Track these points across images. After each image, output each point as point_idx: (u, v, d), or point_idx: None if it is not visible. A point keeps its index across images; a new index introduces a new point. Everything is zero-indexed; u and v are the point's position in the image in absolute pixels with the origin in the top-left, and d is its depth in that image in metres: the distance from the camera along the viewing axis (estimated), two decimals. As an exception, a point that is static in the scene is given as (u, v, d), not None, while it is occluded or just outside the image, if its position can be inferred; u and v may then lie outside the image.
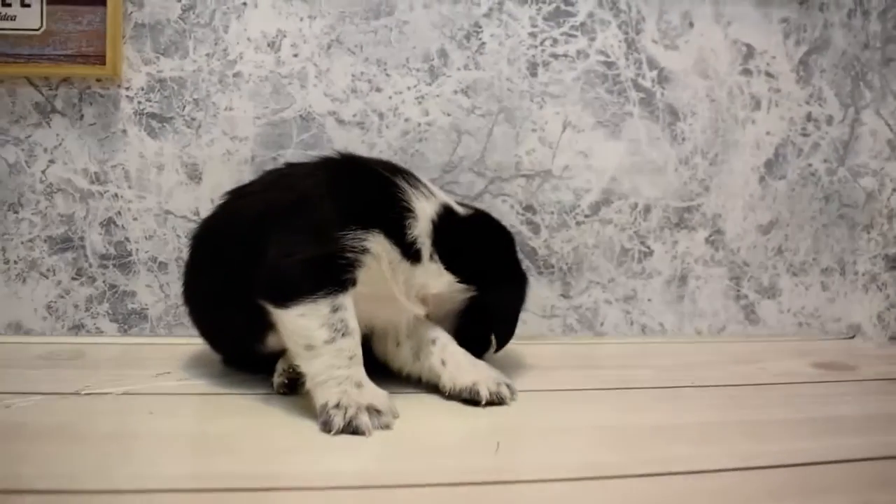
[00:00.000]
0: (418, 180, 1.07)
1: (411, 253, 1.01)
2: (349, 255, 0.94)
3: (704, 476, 0.78)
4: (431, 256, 1.04)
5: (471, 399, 0.99)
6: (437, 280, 1.05)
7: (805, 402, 1.08)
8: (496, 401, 0.98)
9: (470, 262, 1.07)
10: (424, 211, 1.04)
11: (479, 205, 1.30)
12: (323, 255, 0.94)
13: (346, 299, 0.94)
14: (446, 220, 1.06)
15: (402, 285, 1.02)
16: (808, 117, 1.53)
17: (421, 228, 1.02)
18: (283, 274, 0.94)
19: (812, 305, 1.56)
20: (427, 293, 1.05)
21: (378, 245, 0.97)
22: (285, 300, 0.92)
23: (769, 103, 1.52)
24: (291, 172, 1.10)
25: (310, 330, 0.91)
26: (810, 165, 1.54)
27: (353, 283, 0.95)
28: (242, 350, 1.09)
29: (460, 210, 1.11)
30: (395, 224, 1.00)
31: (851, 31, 1.54)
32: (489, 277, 1.08)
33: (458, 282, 1.06)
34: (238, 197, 1.10)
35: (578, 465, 0.81)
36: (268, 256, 0.95)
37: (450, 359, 1.03)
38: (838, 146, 1.55)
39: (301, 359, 0.93)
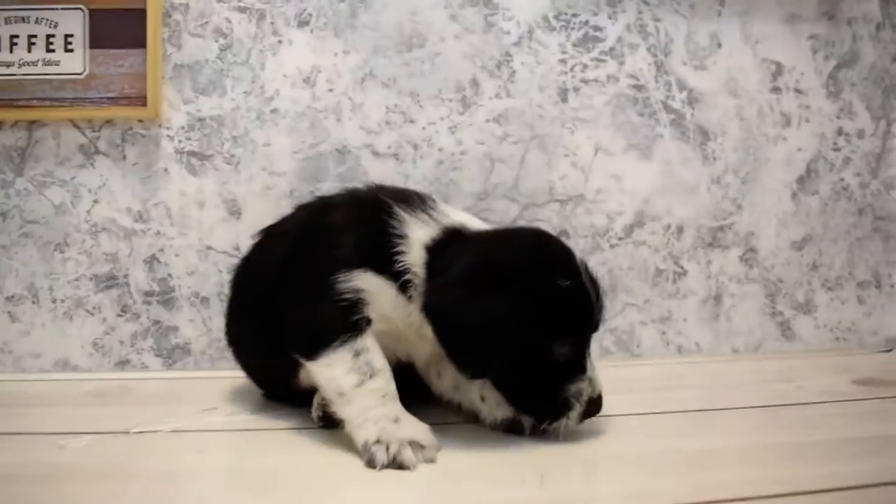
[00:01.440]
0: (425, 204, 1.00)
1: (402, 285, 0.95)
2: (347, 297, 0.93)
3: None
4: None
5: (514, 430, 0.99)
6: None
7: (847, 421, 1.08)
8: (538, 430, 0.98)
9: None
10: (418, 237, 0.96)
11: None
12: (326, 304, 0.93)
13: (366, 340, 0.93)
14: (445, 246, 0.96)
15: (403, 322, 0.97)
16: (840, 132, 1.53)
17: (414, 257, 0.95)
18: (301, 330, 0.95)
19: (848, 319, 1.56)
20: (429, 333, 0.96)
21: (368, 282, 0.94)
22: (310, 354, 0.94)
23: (799, 119, 1.52)
24: (314, 209, 1.09)
25: (337, 378, 0.92)
26: (842, 180, 1.54)
27: (368, 321, 0.94)
28: (281, 386, 1.11)
29: (472, 230, 0.99)
30: (382, 257, 0.95)
31: (881, 43, 1.54)
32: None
33: None
34: (268, 237, 1.12)
35: (623, 494, 0.82)
36: (286, 309, 0.97)
37: (489, 393, 1.01)
38: (870, 159, 1.55)
39: (336, 405, 0.93)
